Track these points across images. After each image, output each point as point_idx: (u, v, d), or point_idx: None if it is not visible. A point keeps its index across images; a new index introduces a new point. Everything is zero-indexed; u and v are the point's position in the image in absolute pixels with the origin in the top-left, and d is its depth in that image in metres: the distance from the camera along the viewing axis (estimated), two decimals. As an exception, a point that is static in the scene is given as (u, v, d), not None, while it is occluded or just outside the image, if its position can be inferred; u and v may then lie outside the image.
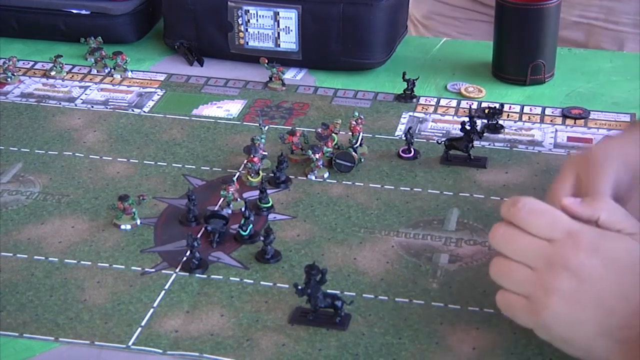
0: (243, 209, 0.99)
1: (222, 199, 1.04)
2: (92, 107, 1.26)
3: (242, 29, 1.34)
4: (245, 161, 1.11)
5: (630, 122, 1.19)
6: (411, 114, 1.24)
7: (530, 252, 0.79)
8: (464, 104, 1.26)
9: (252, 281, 0.94)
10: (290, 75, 1.34)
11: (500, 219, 1.01)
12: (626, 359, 0.77)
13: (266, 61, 1.31)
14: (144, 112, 1.25)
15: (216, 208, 1.04)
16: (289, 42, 1.33)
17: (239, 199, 1.04)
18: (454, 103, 1.26)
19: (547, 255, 0.78)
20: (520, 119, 1.22)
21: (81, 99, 1.28)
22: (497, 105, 1.21)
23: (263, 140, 1.12)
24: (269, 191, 1.05)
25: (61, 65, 1.34)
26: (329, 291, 0.88)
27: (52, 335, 0.87)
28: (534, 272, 0.79)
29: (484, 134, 1.15)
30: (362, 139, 1.14)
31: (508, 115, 1.23)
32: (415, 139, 1.15)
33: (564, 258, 0.78)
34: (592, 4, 1.52)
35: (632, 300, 0.77)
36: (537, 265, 0.78)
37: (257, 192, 1.05)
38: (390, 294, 0.92)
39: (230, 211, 1.03)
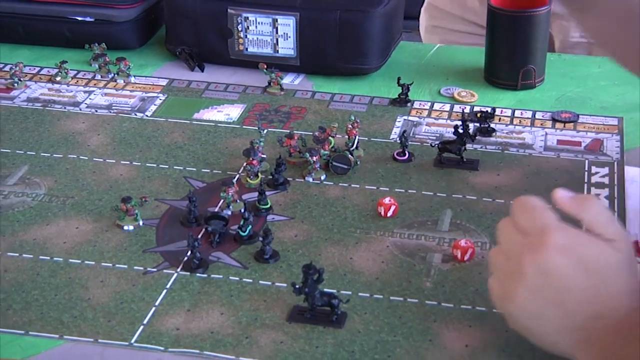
0: (242, 210, 0.99)
1: (222, 200, 1.04)
2: (96, 111, 1.26)
3: (242, 36, 1.33)
4: (245, 164, 1.10)
5: None
6: (406, 117, 1.24)
7: (512, 243, 0.81)
8: (456, 108, 1.26)
9: (251, 280, 0.93)
10: (289, 80, 1.34)
11: (492, 219, 1.01)
12: (590, 356, 0.77)
13: (265, 67, 1.31)
14: (147, 116, 1.25)
15: (216, 209, 1.04)
16: (287, 48, 1.33)
17: (238, 201, 1.04)
18: (447, 107, 1.26)
19: (521, 247, 0.80)
20: (511, 123, 1.22)
21: (85, 104, 1.28)
22: (489, 109, 1.21)
23: (262, 144, 1.11)
24: (267, 193, 1.05)
25: (66, 70, 1.33)
26: (325, 290, 0.88)
27: (57, 333, 0.87)
28: (510, 261, 0.80)
29: (476, 137, 1.14)
30: (358, 142, 1.14)
31: (499, 119, 1.23)
32: (410, 142, 1.15)
33: (532, 252, 0.79)
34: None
35: (595, 304, 0.77)
36: (512, 256, 0.80)
37: (256, 194, 1.05)
38: (385, 293, 0.92)
39: (230, 212, 1.03)
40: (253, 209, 1.03)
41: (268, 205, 1.04)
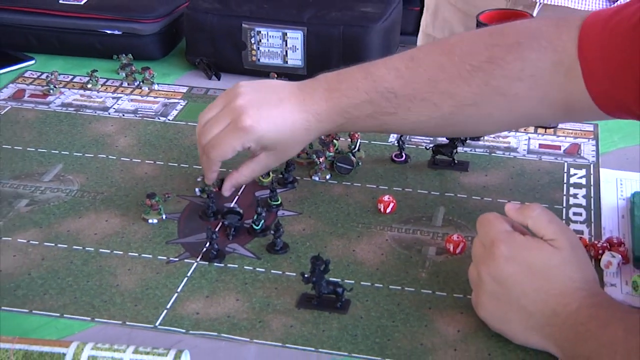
0: (256, 207, 0.98)
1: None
2: (123, 115, 1.25)
3: (255, 48, 1.33)
4: (258, 164, 1.10)
5: None
6: (402, 123, 1.23)
7: (475, 256, 0.83)
8: (448, 114, 1.25)
9: (263, 270, 0.93)
10: (297, 88, 1.33)
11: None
12: (560, 348, 0.77)
13: (275, 76, 1.30)
14: (169, 120, 1.24)
15: (232, 205, 1.03)
16: (295, 59, 1.32)
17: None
18: (439, 114, 1.26)
19: (480, 259, 0.82)
20: (497, 128, 1.22)
21: (114, 108, 1.27)
22: (478, 116, 1.20)
23: (273, 146, 1.11)
24: (278, 190, 1.04)
25: (96, 78, 1.33)
26: (331, 279, 0.88)
27: (89, 316, 0.86)
28: (474, 274, 0.83)
29: (466, 141, 1.14)
30: (359, 145, 1.13)
31: (487, 124, 1.22)
32: (406, 145, 1.14)
33: (486, 264, 0.81)
34: None
35: (549, 303, 0.77)
36: (476, 268, 0.82)
37: (268, 192, 1.04)
38: (384, 282, 0.91)
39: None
40: (265, 205, 1.02)
41: (279, 202, 1.03)
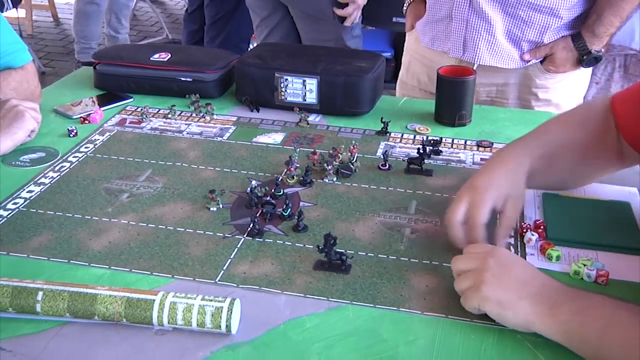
0: (285, 199, 0.97)
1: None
2: (193, 136, 1.24)
3: (283, 90, 1.32)
4: (285, 170, 1.09)
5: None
6: (386, 142, 1.22)
7: (475, 255, 0.80)
8: (418, 137, 1.24)
9: (290, 243, 0.92)
10: (312, 118, 1.32)
11: (441, 206, 0.99)
12: (541, 317, 0.73)
13: (297, 109, 1.29)
14: (224, 139, 1.23)
15: (267, 198, 1.02)
16: (311, 98, 1.31)
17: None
18: (412, 136, 1.24)
19: (480, 258, 0.79)
20: (452, 147, 1.20)
21: (186, 132, 1.26)
22: (438, 138, 1.19)
23: (296, 157, 1.10)
24: (299, 189, 1.03)
25: (174, 111, 1.32)
26: (337, 250, 0.87)
27: (170, 274, 0.86)
28: (473, 272, 0.78)
29: (431, 156, 1.13)
30: (357, 158, 1.12)
31: (444, 144, 1.21)
32: (389, 158, 1.13)
33: (489, 253, 0.79)
34: (492, 89, 1.48)
35: (537, 281, 0.76)
36: (476, 260, 0.79)
37: (293, 189, 1.03)
38: (375, 252, 0.90)
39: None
40: (272, 196, 1.01)
41: (281, 193, 1.02)
